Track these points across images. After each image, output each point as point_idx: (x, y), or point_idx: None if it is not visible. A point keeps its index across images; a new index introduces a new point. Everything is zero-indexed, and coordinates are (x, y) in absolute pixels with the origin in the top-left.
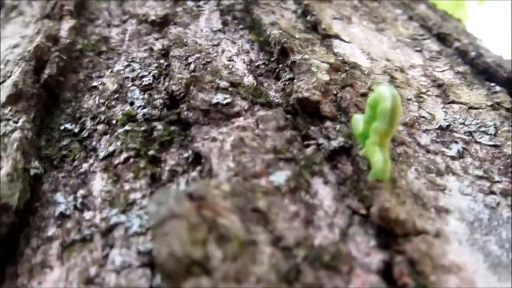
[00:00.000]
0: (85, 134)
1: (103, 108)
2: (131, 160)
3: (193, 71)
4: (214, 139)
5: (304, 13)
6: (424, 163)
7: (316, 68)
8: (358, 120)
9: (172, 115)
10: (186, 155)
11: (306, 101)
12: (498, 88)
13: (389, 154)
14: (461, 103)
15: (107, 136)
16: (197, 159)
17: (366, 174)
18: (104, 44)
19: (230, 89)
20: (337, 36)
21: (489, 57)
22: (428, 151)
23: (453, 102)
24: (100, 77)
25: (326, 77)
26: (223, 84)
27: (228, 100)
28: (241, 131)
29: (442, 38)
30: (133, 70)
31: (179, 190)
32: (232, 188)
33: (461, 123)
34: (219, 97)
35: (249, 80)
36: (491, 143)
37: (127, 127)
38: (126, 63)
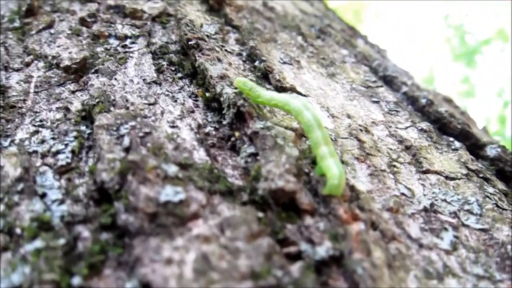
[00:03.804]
0: None
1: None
2: None
3: (129, 148)
4: (168, 261)
5: (251, 56)
6: (421, 264)
7: (282, 140)
8: None
9: (103, 216)
10: (129, 286)
11: (280, 193)
12: (457, 143)
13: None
14: (436, 172)
15: (8, 256)
16: None
17: None
18: None
19: (180, 175)
20: (293, 89)
21: (439, 105)
22: (421, 246)
23: (428, 171)
24: None
25: (295, 152)
26: (172, 170)
27: (182, 196)
28: (203, 244)
29: (388, 81)
30: (43, 141)
31: None
32: None
33: (442, 200)
34: (169, 192)
35: (201, 156)
36: (480, 226)
37: (38, 243)
38: (32, 129)
